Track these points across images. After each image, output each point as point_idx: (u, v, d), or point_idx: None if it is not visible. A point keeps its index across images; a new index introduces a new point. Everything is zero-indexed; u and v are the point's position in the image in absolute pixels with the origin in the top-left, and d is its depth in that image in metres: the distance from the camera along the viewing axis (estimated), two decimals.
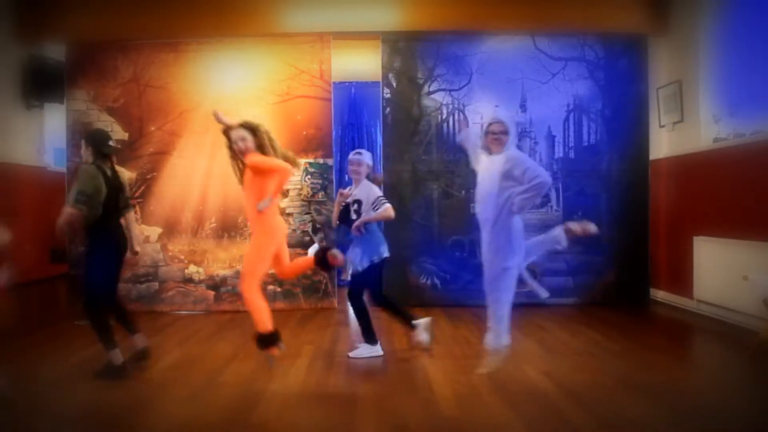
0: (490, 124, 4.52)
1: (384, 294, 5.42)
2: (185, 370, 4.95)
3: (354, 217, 5.27)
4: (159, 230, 7.75)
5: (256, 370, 4.92)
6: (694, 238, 6.91)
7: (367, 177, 5.37)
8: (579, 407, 3.90)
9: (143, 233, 7.70)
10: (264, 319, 4.62)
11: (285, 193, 7.59)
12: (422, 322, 5.33)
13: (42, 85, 7.66)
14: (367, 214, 5.18)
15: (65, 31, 7.62)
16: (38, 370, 4.91)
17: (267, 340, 4.67)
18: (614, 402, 4.01)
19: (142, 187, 7.76)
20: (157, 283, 7.67)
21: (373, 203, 5.19)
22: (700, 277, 6.83)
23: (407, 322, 5.36)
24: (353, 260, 5.27)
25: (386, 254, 5.32)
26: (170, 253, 7.70)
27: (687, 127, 7.29)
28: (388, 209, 5.13)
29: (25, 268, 7.19)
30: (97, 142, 4.76)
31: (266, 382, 4.57)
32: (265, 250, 4.70)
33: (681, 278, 7.16)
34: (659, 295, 7.62)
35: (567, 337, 5.92)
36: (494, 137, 4.48)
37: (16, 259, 7.21)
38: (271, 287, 7.54)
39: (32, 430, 3.62)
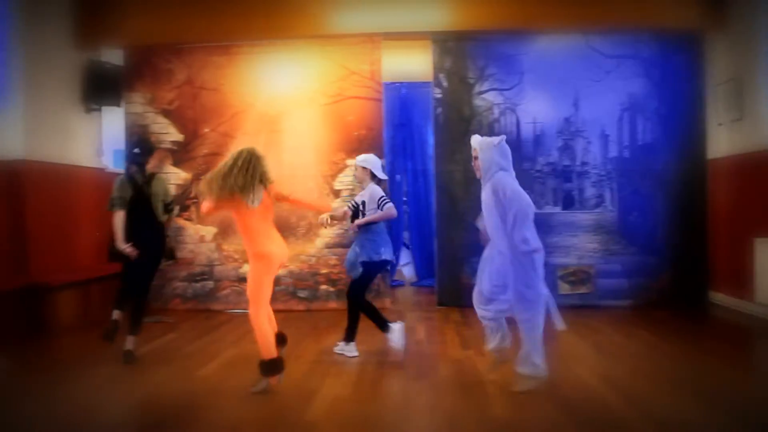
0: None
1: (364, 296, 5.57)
2: (240, 368, 5.02)
3: (361, 216, 5.47)
4: (214, 230, 7.88)
5: (309, 369, 4.96)
6: (756, 239, 6.71)
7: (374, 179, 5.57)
8: (634, 411, 3.84)
9: (198, 233, 7.84)
10: (269, 345, 4.35)
11: (337, 194, 7.64)
12: (396, 326, 5.29)
13: (100, 88, 7.84)
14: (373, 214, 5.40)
15: (123, 36, 7.81)
16: (97, 366, 5.04)
17: (270, 367, 4.34)
18: (670, 406, 3.93)
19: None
20: (212, 282, 7.79)
21: (378, 202, 5.39)
22: (763, 280, 6.63)
23: (382, 325, 5.33)
24: (350, 259, 5.49)
25: (387, 257, 5.44)
26: (225, 253, 7.82)
27: (747, 125, 7.08)
28: (390, 209, 5.36)
29: (85, 267, 7.37)
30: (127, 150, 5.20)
31: (319, 381, 4.60)
32: (260, 278, 4.45)
33: (741, 281, 6.95)
34: (718, 297, 7.43)
35: (622, 340, 5.83)
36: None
37: (77, 258, 7.41)
38: (324, 287, 7.61)
39: (90, 423, 3.70)
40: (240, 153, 4.53)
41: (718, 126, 7.48)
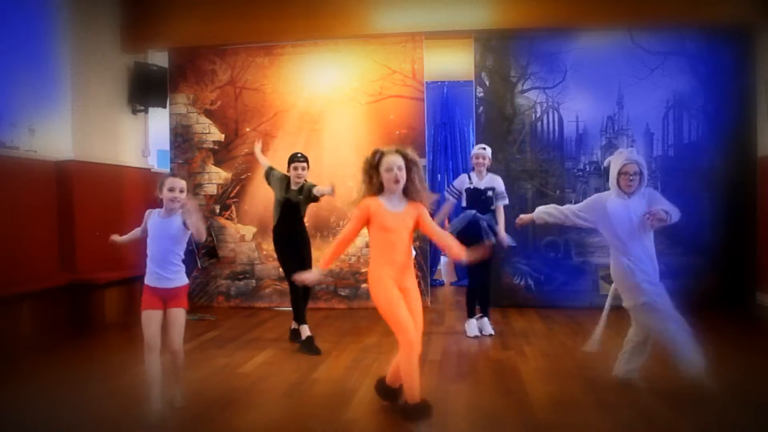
0: (624, 165, 4.23)
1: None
2: (281, 365, 5.07)
3: (490, 201, 6.06)
4: (254, 229, 7.96)
5: (349, 368, 4.98)
6: None
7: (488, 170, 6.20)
8: (679, 414, 3.76)
9: (239, 232, 7.94)
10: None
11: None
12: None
13: (146, 90, 8.01)
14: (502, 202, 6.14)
15: (167, 39, 7.96)
16: (140, 363, 5.12)
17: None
18: (717, 410, 3.83)
19: (237, 187, 8.00)
20: (254, 281, 7.89)
21: (501, 194, 6.15)
22: None
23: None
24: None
25: None
26: (264, 252, 7.90)
27: None
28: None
29: (130, 265, 7.51)
30: None
31: (359, 380, 4.61)
32: None
33: None
34: (765, 299, 7.25)
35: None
36: (628, 179, 4.22)
37: (122, 256, 7.55)
38: (364, 286, 7.63)
39: (132, 419, 3.76)
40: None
41: None
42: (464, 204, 6.13)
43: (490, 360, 5.20)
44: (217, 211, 8.05)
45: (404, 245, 3.71)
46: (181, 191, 3.94)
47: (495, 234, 5.93)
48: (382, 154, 3.75)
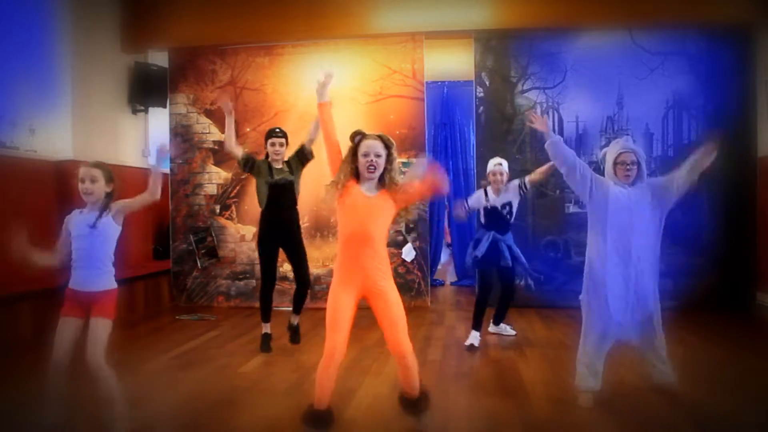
0: (619, 154, 4.09)
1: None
2: (280, 365, 5.08)
3: (509, 218, 5.77)
4: (254, 229, 7.93)
5: (349, 368, 4.98)
6: None
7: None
8: (679, 414, 3.77)
9: (239, 232, 7.94)
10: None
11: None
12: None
13: (146, 90, 8.02)
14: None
15: (168, 39, 7.97)
16: (141, 363, 5.14)
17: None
18: (716, 409, 3.85)
19: (237, 187, 8.00)
20: (254, 281, 7.88)
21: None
22: None
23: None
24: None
25: None
26: None
27: None
28: None
29: (131, 265, 7.52)
30: None
31: (359, 379, 4.62)
32: None
33: None
34: (766, 299, 7.25)
35: (666, 342, 5.71)
36: (625, 168, 4.04)
37: (123, 256, 7.54)
38: None
39: (133, 418, 3.76)
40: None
41: None
42: (482, 221, 5.87)
43: (490, 360, 5.21)
44: (217, 211, 8.06)
45: (374, 241, 3.36)
46: (93, 181, 3.56)
47: (515, 259, 5.75)
48: (363, 137, 3.57)
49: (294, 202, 5.58)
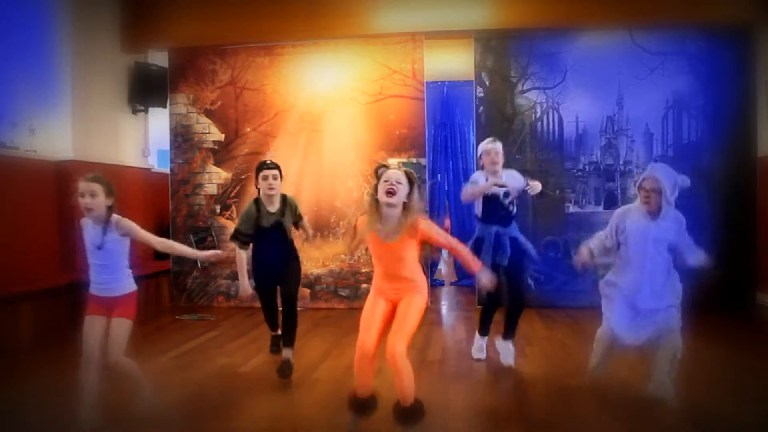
0: (642, 180, 4.00)
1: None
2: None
3: (511, 208, 4.92)
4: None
5: (350, 367, 4.97)
6: None
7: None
8: (679, 414, 3.76)
9: None
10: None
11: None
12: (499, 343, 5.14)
13: (146, 90, 8.02)
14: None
15: (168, 39, 7.97)
16: (141, 363, 5.12)
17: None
18: (716, 409, 3.85)
19: (237, 187, 8.00)
20: (254, 281, 7.86)
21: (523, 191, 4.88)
22: None
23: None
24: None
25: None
26: None
27: None
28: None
29: (131, 265, 7.51)
30: None
31: None
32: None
33: None
34: (766, 299, 7.25)
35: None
36: (644, 194, 3.98)
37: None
38: (364, 286, 7.64)
39: (133, 418, 3.77)
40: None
41: None
42: (479, 213, 5.00)
43: (490, 360, 5.20)
44: (218, 211, 8.06)
45: (404, 273, 3.50)
46: (93, 195, 3.60)
47: (522, 252, 4.93)
48: (386, 169, 3.48)
49: (286, 240, 4.89)
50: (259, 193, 4.79)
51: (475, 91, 7.70)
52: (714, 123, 7.38)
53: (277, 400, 4.19)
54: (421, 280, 3.58)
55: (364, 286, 7.66)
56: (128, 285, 3.74)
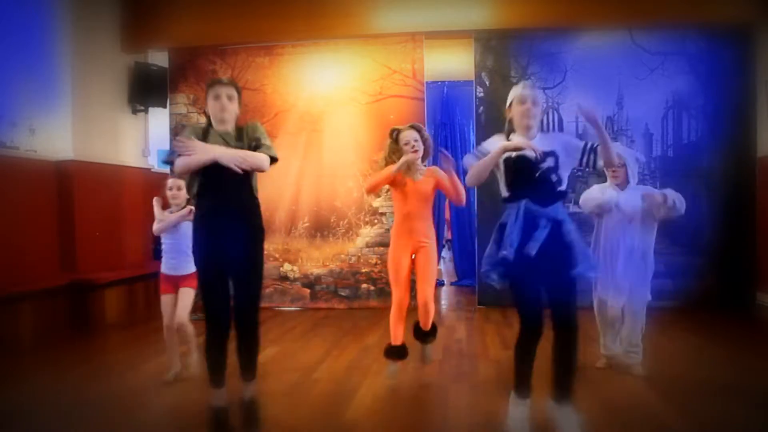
0: None
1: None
2: (280, 365, 5.08)
3: (554, 179, 3.27)
4: None
5: (350, 368, 4.98)
6: None
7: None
8: (679, 414, 3.76)
9: None
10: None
11: (378, 193, 7.67)
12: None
13: (146, 90, 8.02)
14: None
15: (168, 39, 7.97)
16: (140, 364, 5.14)
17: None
18: (715, 410, 3.84)
19: None
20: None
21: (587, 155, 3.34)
22: None
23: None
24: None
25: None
26: (265, 252, 7.84)
27: None
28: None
29: (131, 264, 7.53)
30: None
31: (359, 379, 4.62)
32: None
33: None
34: (766, 299, 7.25)
35: (665, 341, 5.71)
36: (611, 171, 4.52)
37: (123, 256, 7.56)
38: (364, 286, 7.65)
39: (131, 420, 3.77)
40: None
41: None
42: (505, 189, 3.37)
43: (491, 360, 5.20)
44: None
45: (423, 213, 4.36)
46: (179, 189, 4.61)
47: (570, 248, 3.20)
48: (399, 131, 4.40)
49: (244, 194, 3.48)
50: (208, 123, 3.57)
51: (475, 91, 7.71)
52: (714, 123, 7.38)
53: (277, 401, 4.18)
54: (431, 223, 4.46)
55: (364, 286, 7.67)
56: (192, 266, 4.18)
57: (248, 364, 3.67)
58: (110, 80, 7.76)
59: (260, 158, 3.38)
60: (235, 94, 3.54)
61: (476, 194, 7.71)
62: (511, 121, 3.43)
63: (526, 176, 3.24)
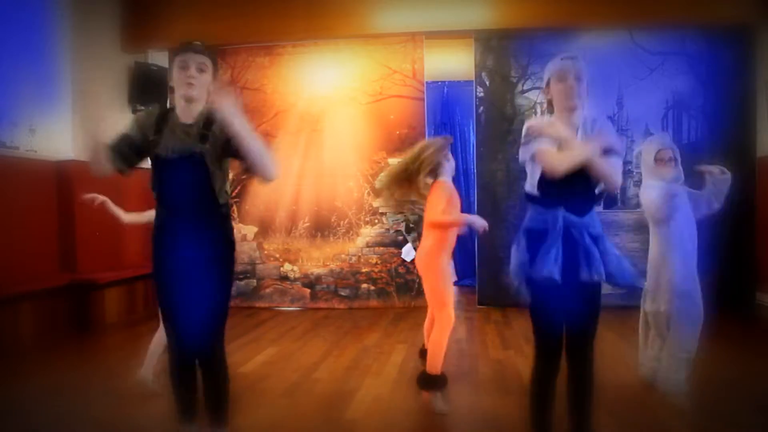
0: (658, 151, 4.33)
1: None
2: (280, 365, 5.08)
3: (593, 181, 2.77)
4: (255, 229, 7.97)
5: (350, 368, 4.99)
6: None
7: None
8: (678, 415, 3.78)
9: (240, 231, 7.94)
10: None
11: (378, 193, 7.67)
12: None
13: (146, 90, 8.00)
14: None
15: (168, 38, 7.93)
16: (141, 364, 5.13)
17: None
18: (714, 409, 3.85)
19: (239, 187, 8.00)
20: (255, 280, 7.90)
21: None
22: None
23: None
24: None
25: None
26: (266, 252, 7.91)
27: None
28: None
29: (131, 264, 7.53)
30: None
31: (359, 379, 4.63)
32: None
33: None
34: (766, 299, 7.25)
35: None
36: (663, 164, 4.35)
37: (123, 256, 7.56)
38: (364, 286, 7.65)
39: (131, 419, 3.77)
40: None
41: None
42: (534, 187, 2.82)
43: (491, 360, 5.21)
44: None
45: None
46: None
47: (605, 268, 2.75)
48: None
49: (208, 198, 2.88)
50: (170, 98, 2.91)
51: (475, 91, 7.70)
52: (713, 123, 7.38)
53: (277, 401, 4.19)
54: None
55: (364, 286, 7.67)
56: None
57: (214, 408, 3.09)
58: (110, 80, 7.75)
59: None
60: (209, 64, 2.83)
61: (476, 194, 7.70)
62: (550, 102, 2.87)
63: (567, 177, 2.65)
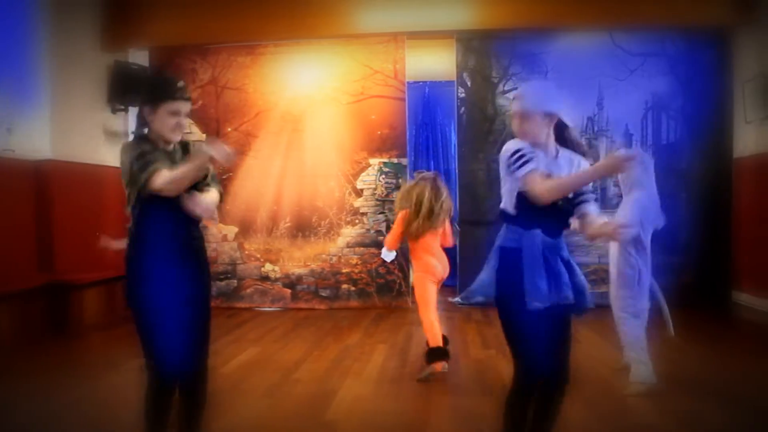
0: None
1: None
2: (261, 366, 5.07)
3: (568, 205, 2.79)
4: (235, 229, 7.94)
5: (330, 368, 4.98)
6: None
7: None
8: (657, 411, 3.81)
9: (221, 232, 7.91)
10: (435, 334, 4.69)
11: (359, 193, 7.67)
12: None
13: (126, 89, 7.92)
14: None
15: (148, 38, 7.91)
16: (119, 364, 5.09)
17: (435, 354, 4.61)
18: (693, 407, 3.89)
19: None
20: (235, 281, 7.86)
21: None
22: None
23: None
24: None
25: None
26: (246, 252, 7.88)
27: None
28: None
29: (110, 265, 7.46)
30: None
31: (340, 380, 4.62)
32: (426, 285, 5.09)
33: (766, 281, 6.85)
34: (742, 298, 7.33)
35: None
36: None
37: (102, 256, 7.49)
38: (345, 286, 7.64)
39: (111, 422, 3.75)
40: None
41: (746, 124, 7.34)
42: (510, 208, 2.78)
43: (471, 360, 5.23)
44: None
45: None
46: None
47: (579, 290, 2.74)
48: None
49: (190, 224, 2.89)
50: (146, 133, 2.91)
51: (457, 91, 7.73)
52: (692, 124, 7.47)
53: (258, 401, 4.18)
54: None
55: (344, 286, 7.66)
56: None
57: None
58: (90, 79, 7.67)
59: (213, 198, 2.88)
60: (189, 107, 2.91)
61: (458, 193, 7.71)
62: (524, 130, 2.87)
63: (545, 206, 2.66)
